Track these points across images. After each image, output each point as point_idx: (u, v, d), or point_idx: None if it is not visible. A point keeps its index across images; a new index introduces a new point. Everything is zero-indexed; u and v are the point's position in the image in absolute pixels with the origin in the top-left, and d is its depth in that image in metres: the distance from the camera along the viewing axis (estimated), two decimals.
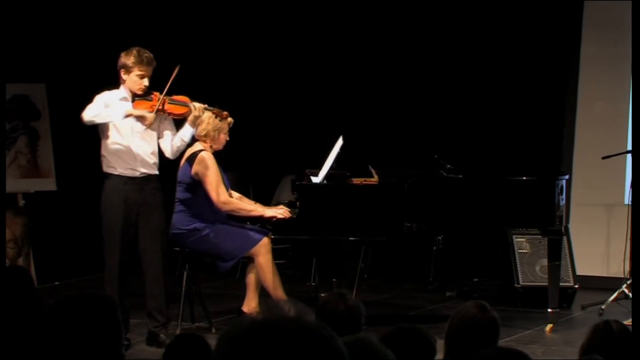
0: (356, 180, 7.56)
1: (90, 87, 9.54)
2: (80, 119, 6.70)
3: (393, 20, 10.09)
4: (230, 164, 8.87)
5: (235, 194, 7.56)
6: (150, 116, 6.72)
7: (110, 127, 6.76)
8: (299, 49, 10.32)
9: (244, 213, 7.40)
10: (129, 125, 6.79)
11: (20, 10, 9.10)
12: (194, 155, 7.23)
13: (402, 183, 7.39)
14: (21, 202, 9.11)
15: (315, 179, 7.53)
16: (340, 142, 7.52)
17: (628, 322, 5.36)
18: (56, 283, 9.21)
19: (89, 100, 9.71)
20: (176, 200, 7.33)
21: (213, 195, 7.23)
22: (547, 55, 9.61)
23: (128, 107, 6.76)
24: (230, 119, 7.32)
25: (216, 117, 7.25)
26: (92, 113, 6.67)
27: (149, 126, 6.75)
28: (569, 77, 9.63)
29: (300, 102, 10.34)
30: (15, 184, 8.94)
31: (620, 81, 9.27)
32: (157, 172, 6.92)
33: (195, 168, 7.21)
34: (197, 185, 7.25)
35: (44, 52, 9.30)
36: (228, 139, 7.39)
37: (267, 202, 7.85)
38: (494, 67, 9.73)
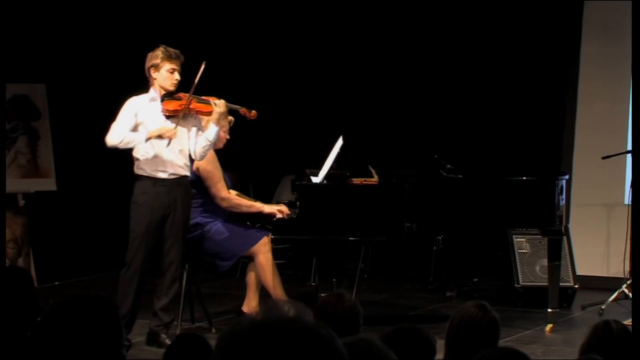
0: (356, 180, 7.56)
1: (90, 87, 9.58)
2: (104, 143, 6.71)
3: (393, 20, 10.09)
4: (230, 163, 8.87)
5: (233, 192, 7.58)
6: (170, 131, 6.72)
7: (141, 129, 6.76)
8: (299, 49, 10.32)
9: (243, 209, 7.43)
10: (158, 126, 6.79)
11: (20, 10, 9.10)
12: None
13: (402, 183, 7.39)
14: (21, 202, 9.12)
15: (315, 179, 7.53)
16: (340, 142, 7.52)
17: (628, 322, 5.36)
18: (56, 283, 9.22)
19: (89, 100, 9.74)
20: None
21: (213, 191, 7.28)
22: (547, 55, 9.61)
23: (148, 130, 6.76)
24: (230, 118, 7.34)
25: (244, 117, 7.25)
26: (115, 139, 6.69)
27: (174, 136, 6.74)
28: (569, 77, 9.63)
29: (300, 102, 10.34)
30: (15, 184, 8.95)
31: (620, 81, 9.27)
32: (187, 174, 6.93)
33: (197, 163, 7.24)
34: (199, 182, 7.28)
35: (44, 52, 9.30)
36: (228, 137, 7.40)
37: (267, 202, 7.85)
38: (494, 67, 9.73)
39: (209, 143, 6.92)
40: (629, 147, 8.62)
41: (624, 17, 8.75)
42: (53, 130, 9.28)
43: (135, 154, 6.83)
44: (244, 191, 8.06)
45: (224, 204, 7.33)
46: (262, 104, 10.36)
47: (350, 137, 7.72)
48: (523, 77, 9.66)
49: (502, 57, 9.69)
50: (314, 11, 10.24)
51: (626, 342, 3.73)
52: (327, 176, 7.45)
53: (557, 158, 9.60)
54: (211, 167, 7.29)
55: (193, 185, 7.27)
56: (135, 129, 6.77)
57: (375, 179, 7.57)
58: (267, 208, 7.42)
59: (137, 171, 6.86)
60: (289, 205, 7.54)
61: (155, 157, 6.80)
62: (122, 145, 6.72)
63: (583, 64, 9.58)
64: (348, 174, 7.56)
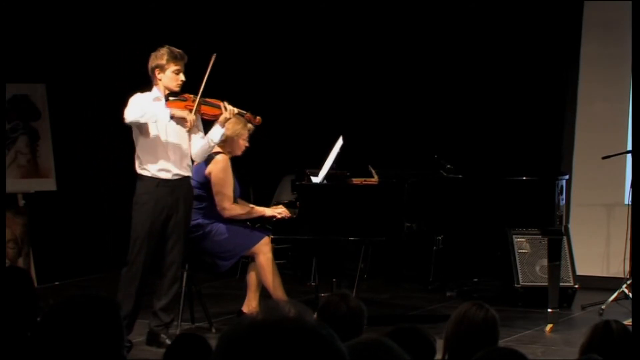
0: (356, 180, 7.56)
1: (90, 87, 9.58)
2: (122, 120, 6.62)
3: (393, 20, 10.09)
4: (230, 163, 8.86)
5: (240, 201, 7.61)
6: (190, 117, 6.72)
7: (147, 128, 6.75)
8: (299, 49, 10.32)
9: (243, 217, 7.43)
10: (163, 126, 6.78)
11: (20, 10, 9.10)
12: (212, 157, 7.27)
13: (402, 183, 7.39)
14: (21, 202, 9.12)
15: (315, 179, 7.54)
16: (340, 142, 7.52)
17: (628, 322, 5.36)
18: (56, 283, 9.21)
19: (89, 100, 9.75)
20: None
21: (218, 198, 7.29)
22: (547, 55, 9.61)
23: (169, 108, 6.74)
24: (250, 126, 7.35)
25: (248, 122, 7.26)
26: (137, 113, 6.59)
27: (190, 127, 6.73)
28: (569, 77, 9.63)
29: (300, 102, 10.34)
30: (15, 184, 8.95)
31: (620, 81, 9.27)
32: (189, 174, 6.93)
33: (210, 168, 7.26)
34: (208, 185, 7.29)
35: (44, 52, 9.30)
36: (248, 145, 7.42)
37: (267, 202, 7.86)
38: (494, 67, 9.73)
39: (212, 145, 6.93)
40: (629, 147, 8.62)
41: (624, 17, 8.75)
42: (53, 130, 9.28)
43: (138, 152, 6.82)
44: (244, 192, 8.04)
45: (225, 214, 7.34)
46: (262, 104, 10.37)
47: (350, 137, 7.72)
48: (523, 77, 9.66)
49: (502, 58, 9.69)
50: (314, 11, 10.24)
51: (626, 342, 3.73)
52: (327, 176, 7.45)
53: (557, 158, 9.60)
54: (223, 175, 7.29)
55: (202, 187, 7.29)
56: (140, 133, 6.75)
57: (375, 179, 7.57)
58: (268, 212, 7.42)
59: (140, 171, 6.83)
60: (289, 205, 7.54)
61: (159, 158, 6.79)
62: (143, 120, 6.62)
63: (583, 64, 9.58)
64: (348, 174, 7.56)
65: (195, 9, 10.11)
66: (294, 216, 7.33)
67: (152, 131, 6.75)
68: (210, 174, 7.29)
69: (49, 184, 9.23)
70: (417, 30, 10.00)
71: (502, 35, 9.70)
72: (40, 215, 9.20)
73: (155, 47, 6.89)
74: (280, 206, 7.55)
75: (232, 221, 7.42)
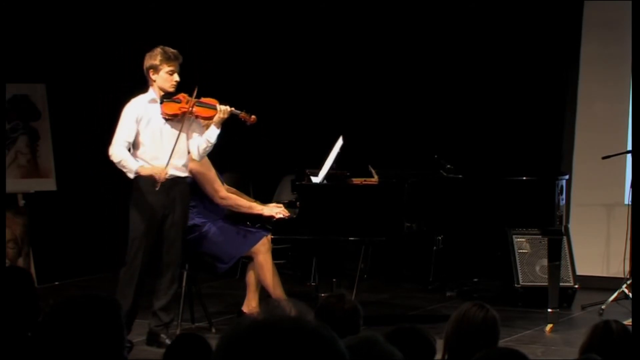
0: (356, 180, 7.56)
1: (90, 87, 9.58)
2: (107, 152, 6.81)
3: (393, 20, 10.09)
4: (230, 163, 8.86)
5: (230, 189, 7.58)
6: (161, 173, 6.72)
7: (141, 129, 6.78)
8: (299, 49, 10.32)
9: (242, 210, 7.42)
10: (158, 128, 6.80)
11: (20, 10, 9.10)
12: None
13: (402, 183, 7.39)
14: (21, 202, 9.12)
15: (315, 179, 7.53)
16: (340, 142, 7.52)
17: (628, 322, 5.36)
18: (56, 283, 9.21)
19: (89, 100, 9.73)
20: None
21: (211, 191, 7.27)
22: (547, 55, 9.61)
23: (139, 165, 6.76)
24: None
25: (244, 122, 7.20)
26: (115, 158, 6.76)
27: (163, 178, 6.74)
28: (569, 77, 9.63)
29: (300, 102, 10.34)
30: (15, 184, 8.95)
31: (620, 81, 9.27)
32: (186, 174, 6.94)
33: (189, 166, 7.22)
34: (192, 184, 7.26)
35: (44, 52, 9.30)
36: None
37: (267, 202, 7.85)
38: (494, 67, 9.73)
39: (210, 144, 6.93)
40: (629, 147, 8.62)
41: (624, 17, 8.75)
42: (53, 130, 9.28)
43: (134, 153, 6.83)
44: (244, 192, 8.04)
45: (223, 203, 7.34)
46: (262, 104, 10.36)
47: (350, 137, 7.72)
48: (523, 77, 9.66)
49: (502, 57, 9.69)
50: (314, 11, 10.24)
51: (626, 342, 3.73)
52: (327, 176, 7.45)
53: (557, 158, 9.60)
54: (204, 169, 7.28)
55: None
56: (137, 136, 6.79)
57: (375, 179, 7.57)
58: (267, 211, 7.40)
59: None
60: (289, 205, 7.54)
61: (156, 158, 6.80)
62: (118, 166, 6.79)
63: (583, 64, 9.58)
64: (348, 174, 7.56)
65: (195, 9, 10.11)
66: (294, 216, 7.33)
67: (148, 134, 6.79)
68: (191, 172, 7.26)
69: (49, 184, 9.22)
70: (417, 30, 10.00)
71: (502, 35, 9.69)
72: (40, 215, 9.20)
73: (153, 48, 6.89)
74: (281, 206, 7.55)
75: (231, 219, 7.41)
